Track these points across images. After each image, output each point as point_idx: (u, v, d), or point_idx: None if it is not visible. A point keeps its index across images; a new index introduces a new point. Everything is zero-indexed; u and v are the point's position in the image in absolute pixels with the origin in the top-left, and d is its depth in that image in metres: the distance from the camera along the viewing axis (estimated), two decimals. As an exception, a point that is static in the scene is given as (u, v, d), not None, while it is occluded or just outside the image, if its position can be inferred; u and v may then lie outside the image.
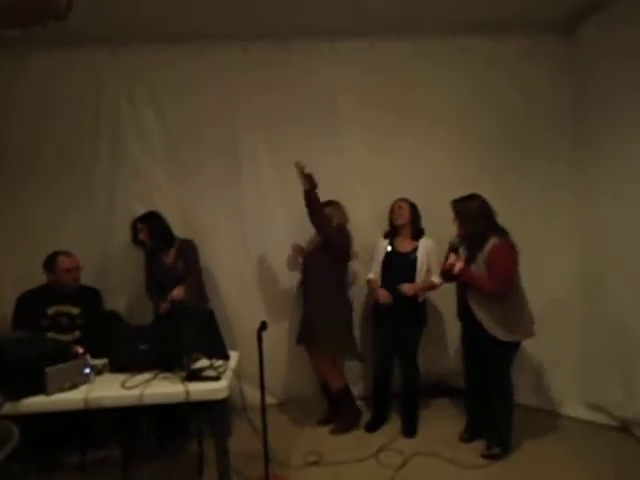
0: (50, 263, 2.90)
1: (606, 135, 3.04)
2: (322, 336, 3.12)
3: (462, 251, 2.83)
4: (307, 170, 2.86)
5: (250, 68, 3.42)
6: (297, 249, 3.39)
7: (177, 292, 3.04)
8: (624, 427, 3.06)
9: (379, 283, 3.18)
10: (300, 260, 3.38)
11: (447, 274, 2.89)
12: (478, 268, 2.73)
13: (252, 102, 3.46)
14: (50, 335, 2.80)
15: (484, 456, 2.85)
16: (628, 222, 2.89)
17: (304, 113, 3.48)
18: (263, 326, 2.54)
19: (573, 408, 3.29)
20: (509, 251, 2.70)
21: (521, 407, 3.09)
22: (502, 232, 2.75)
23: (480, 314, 2.76)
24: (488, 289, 2.68)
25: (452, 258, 2.81)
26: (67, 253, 2.93)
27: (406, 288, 3.04)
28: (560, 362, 3.34)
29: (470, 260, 2.78)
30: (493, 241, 2.70)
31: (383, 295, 3.11)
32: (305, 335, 3.24)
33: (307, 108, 3.48)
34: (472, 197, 2.81)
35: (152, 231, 3.17)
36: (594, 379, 3.20)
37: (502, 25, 3.32)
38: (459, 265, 2.77)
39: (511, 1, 3.03)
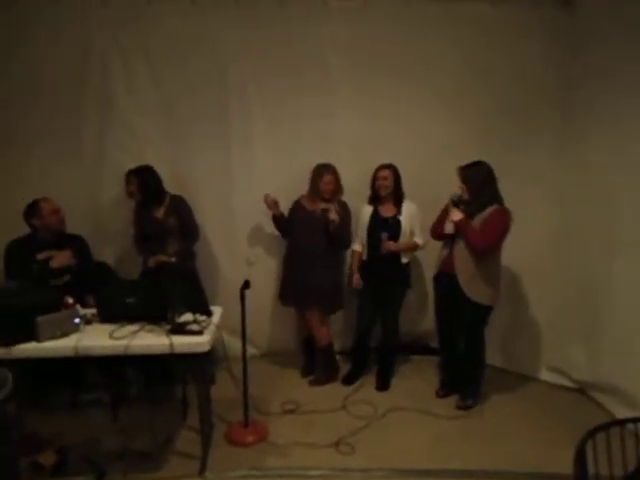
0: (33, 210, 2.95)
1: (595, 108, 3.06)
2: (322, 297, 3.27)
3: (461, 206, 2.91)
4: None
5: (241, 23, 3.35)
6: (271, 203, 3.27)
7: (154, 260, 3.16)
8: (581, 389, 3.29)
9: (364, 255, 3.32)
10: (271, 212, 3.33)
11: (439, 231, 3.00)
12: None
13: (243, 58, 3.41)
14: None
15: (459, 407, 3.08)
16: (608, 194, 2.97)
17: (295, 71, 3.45)
18: (246, 285, 2.67)
19: (536, 370, 3.50)
20: (505, 217, 2.84)
21: (487, 366, 3.27)
22: (502, 200, 2.88)
23: (463, 273, 2.88)
24: (478, 242, 2.79)
25: (456, 213, 2.86)
26: (45, 198, 2.99)
27: (388, 244, 3.14)
28: (528, 326, 3.51)
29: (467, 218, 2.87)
30: (494, 207, 2.84)
31: (357, 281, 3.33)
32: (297, 296, 3.34)
33: (299, 66, 3.44)
34: (478, 164, 2.89)
35: (142, 185, 3.20)
36: (558, 344, 3.38)
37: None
38: (458, 215, 2.84)
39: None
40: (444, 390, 3.27)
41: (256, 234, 3.66)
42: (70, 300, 2.48)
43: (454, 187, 2.93)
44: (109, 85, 3.39)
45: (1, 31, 3.22)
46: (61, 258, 2.97)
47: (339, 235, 3.23)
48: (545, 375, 3.47)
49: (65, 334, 2.28)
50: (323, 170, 3.26)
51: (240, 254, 3.64)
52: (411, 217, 3.23)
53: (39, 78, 3.29)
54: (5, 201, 3.26)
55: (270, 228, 3.50)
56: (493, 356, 3.48)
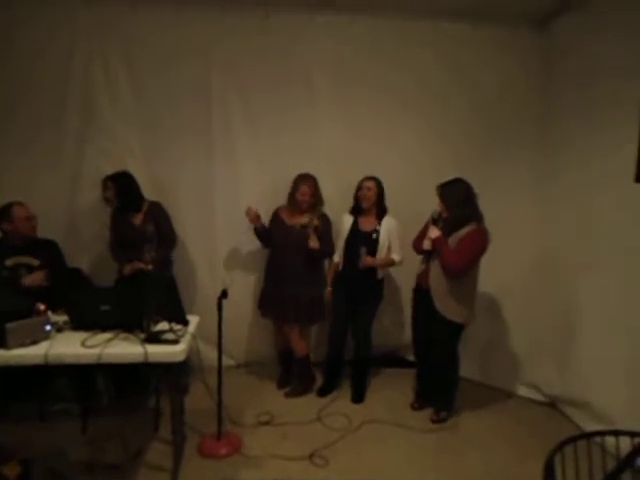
0: (5, 213, 2.87)
1: (571, 124, 3.17)
2: (300, 311, 3.25)
3: (440, 224, 2.93)
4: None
5: (226, 35, 3.37)
6: (253, 216, 3.23)
7: (130, 267, 3.09)
8: (552, 403, 3.36)
9: (340, 265, 3.34)
10: (252, 225, 3.30)
11: (420, 245, 3.01)
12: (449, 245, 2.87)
13: (227, 70, 3.43)
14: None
15: (433, 421, 3.10)
16: (580, 212, 3.06)
17: (279, 84, 3.48)
18: (224, 294, 2.66)
19: (512, 385, 3.54)
20: (482, 237, 2.83)
21: (463, 380, 3.33)
22: (481, 218, 2.87)
23: (437, 290, 2.90)
24: (451, 260, 2.80)
25: (433, 231, 2.89)
26: (20, 203, 2.92)
27: (366, 259, 3.15)
28: (504, 342, 3.57)
29: (445, 236, 2.89)
30: (472, 226, 2.83)
31: (329, 295, 3.40)
32: (276, 309, 3.32)
33: (283, 79, 3.48)
34: (456, 181, 2.89)
35: (119, 191, 3.15)
36: (533, 360, 3.45)
37: (480, 13, 3.36)
38: (436, 232, 2.87)
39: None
40: (419, 402, 3.29)
41: (236, 244, 3.64)
42: (42, 307, 2.41)
43: (436, 202, 2.95)
44: (92, 93, 3.35)
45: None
46: (34, 278, 2.88)
47: (321, 253, 3.25)
48: (521, 390, 3.52)
49: (35, 341, 2.22)
50: (299, 181, 3.25)
51: (219, 263, 3.64)
52: (389, 232, 3.24)
53: (22, 85, 3.25)
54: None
55: (250, 236, 3.49)
56: (471, 370, 3.53)
